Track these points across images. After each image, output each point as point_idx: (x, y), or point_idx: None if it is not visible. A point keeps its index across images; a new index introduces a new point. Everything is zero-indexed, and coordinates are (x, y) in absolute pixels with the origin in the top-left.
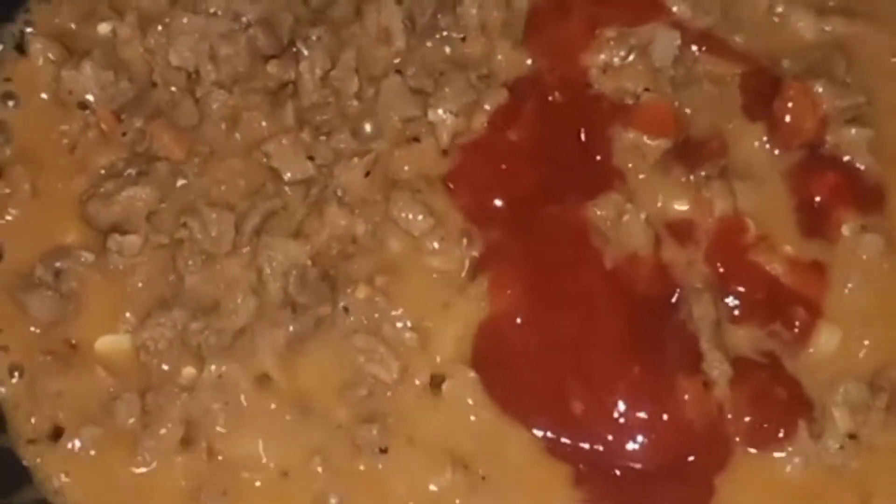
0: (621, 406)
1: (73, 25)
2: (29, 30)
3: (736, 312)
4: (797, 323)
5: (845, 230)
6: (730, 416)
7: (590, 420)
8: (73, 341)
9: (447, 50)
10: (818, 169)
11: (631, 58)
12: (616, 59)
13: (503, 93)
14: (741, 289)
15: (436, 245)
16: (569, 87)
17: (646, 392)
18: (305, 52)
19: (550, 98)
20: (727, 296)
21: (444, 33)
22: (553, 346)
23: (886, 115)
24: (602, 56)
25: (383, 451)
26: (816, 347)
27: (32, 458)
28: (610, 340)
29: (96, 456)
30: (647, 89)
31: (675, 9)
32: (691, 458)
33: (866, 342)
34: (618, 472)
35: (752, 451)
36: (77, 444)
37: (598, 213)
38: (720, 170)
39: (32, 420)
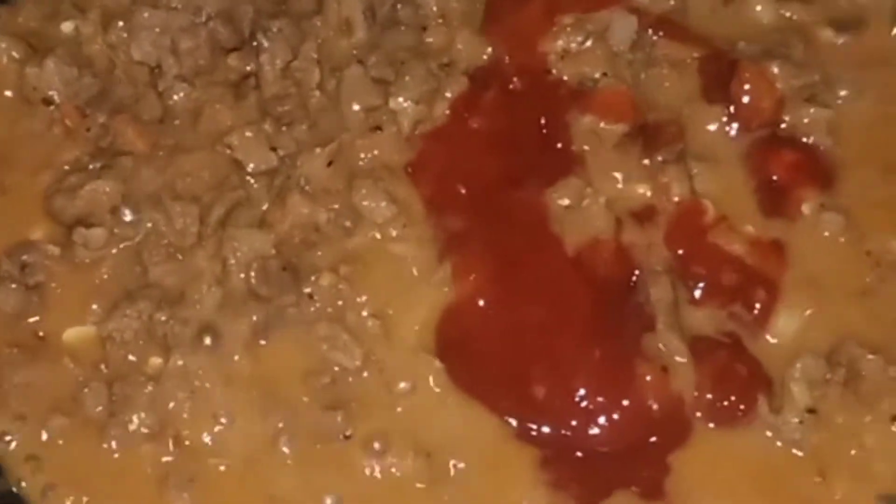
0: (582, 391)
1: (36, 24)
2: None
3: (697, 294)
4: (757, 305)
5: (805, 209)
6: (695, 394)
7: (551, 404)
8: (41, 333)
9: (408, 40)
10: (776, 148)
11: (589, 43)
12: (574, 45)
13: (463, 81)
14: (701, 270)
15: (398, 232)
16: (528, 74)
17: (606, 376)
18: (266, 44)
19: (511, 86)
20: (688, 278)
21: (405, 23)
22: (515, 331)
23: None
24: (560, 42)
25: (347, 437)
26: (775, 332)
27: (2, 450)
28: (571, 325)
29: (64, 445)
30: (605, 74)
31: None
32: (653, 439)
33: (825, 319)
34: (580, 455)
35: (714, 428)
36: (45, 434)
37: (558, 198)
38: (677, 154)
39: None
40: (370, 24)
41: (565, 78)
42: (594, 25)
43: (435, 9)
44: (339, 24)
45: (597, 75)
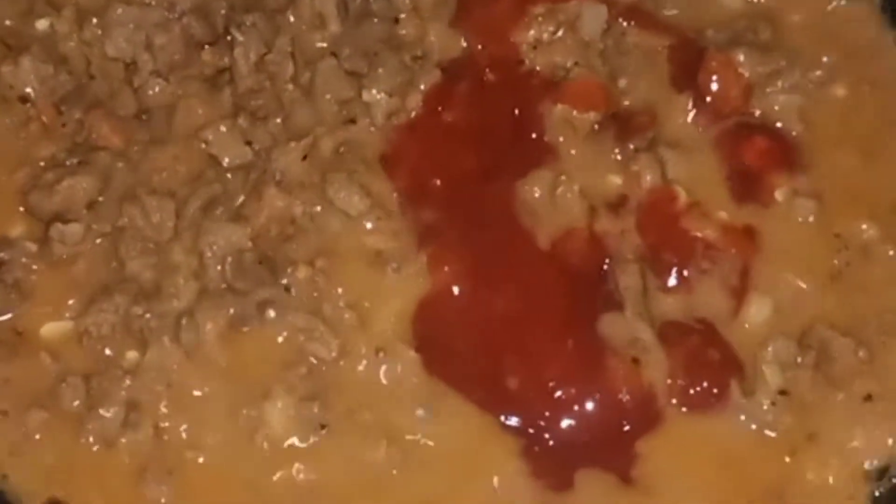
0: (554, 382)
1: (10, 23)
2: None
3: (672, 281)
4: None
5: (778, 195)
6: (668, 382)
7: (524, 396)
8: (19, 329)
9: (381, 32)
10: (747, 135)
11: (560, 33)
12: (546, 35)
13: (436, 73)
14: (674, 257)
15: (373, 225)
16: (501, 66)
17: (578, 368)
18: (240, 38)
19: (484, 77)
20: (660, 264)
21: (378, 15)
22: (490, 322)
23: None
24: (532, 32)
25: (323, 427)
26: (748, 318)
27: None
28: (545, 316)
29: (42, 440)
30: (576, 64)
31: None
32: (626, 427)
33: (796, 303)
34: (552, 443)
35: (686, 413)
36: (23, 429)
37: (532, 188)
38: (649, 142)
39: None
40: (343, 16)
41: (538, 68)
42: (565, 15)
43: (407, 1)
44: (312, 18)
45: (569, 65)
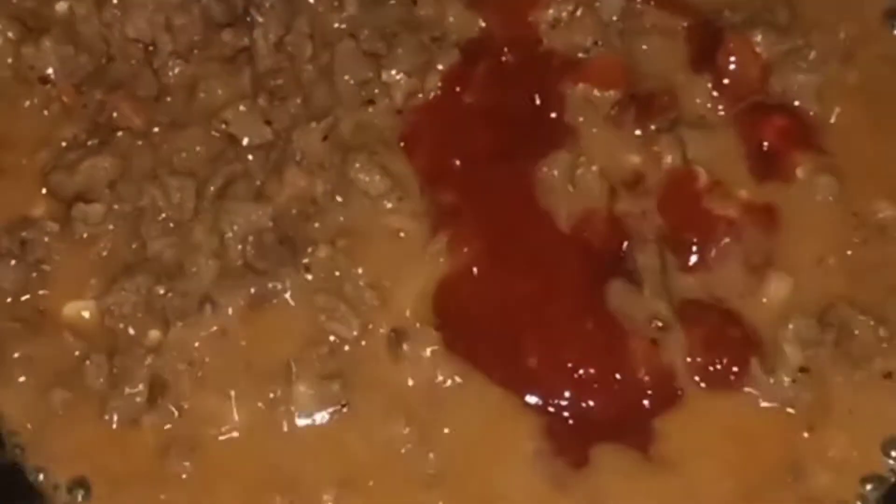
0: (573, 362)
1: (30, 5)
2: None
3: (695, 260)
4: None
5: (800, 172)
6: (688, 360)
7: (544, 375)
8: (42, 308)
9: (399, 13)
10: (765, 115)
11: (579, 12)
12: (564, 14)
13: (455, 53)
14: (695, 236)
15: (393, 205)
16: (520, 46)
17: (597, 348)
18: (259, 19)
19: (503, 57)
20: (681, 244)
21: None
22: (509, 302)
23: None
24: (551, 11)
25: (344, 405)
26: (768, 296)
27: (2, 423)
28: (564, 296)
29: (65, 416)
30: (596, 43)
31: None
32: (645, 404)
33: (815, 280)
34: (572, 422)
35: (706, 391)
36: (46, 407)
37: (551, 169)
38: (670, 123)
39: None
40: None
41: (557, 48)
42: None
43: None
44: None
45: (588, 44)
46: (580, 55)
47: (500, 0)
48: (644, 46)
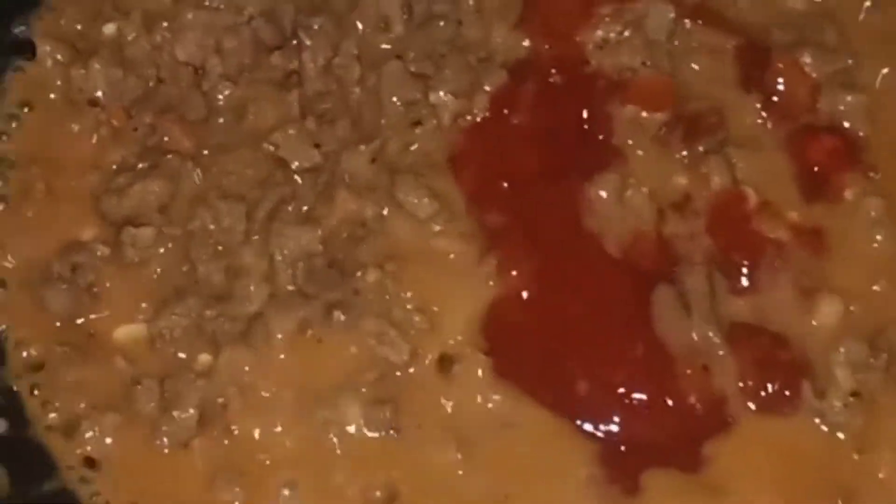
0: (623, 388)
1: (78, 27)
2: (21, 28)
3: (745, 282)
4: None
5: (848, 194)
6: (740, 385)
7: (594, 400)
8: (92, 332)
9: (445, 34)
10: (815, 135)
11: (627, 33)
12: (612, 35)
13: (502, 73)
14: (744, 258)
15: (441, 227)
16: (567, 66)
17: (647, 374)
18: (308, 42)
19: (550, 78)
20: (731, 266)
21: (442, 17)
22: (559, 325)
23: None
24: (599, 32)
25: (394, 431)
26: (818, 319)
27: (57, 449)
28: (614, 320)
29: (116, 443)
30: (644, 63)
31: None
32: (696, 430)
33: (866, 303)
34: (623, 448)
35: (758, 415)
36: (97, 431)
37: (600, 190)
38: (718, 143)
39: (54, 413)
40: (407, 19)
41: (604, 68)
42: (632, 14)
43: (471, 2)
44: (377, 20)
45: (636, 64)
46: (628, 75)
47: (546, 21)
48: (693, 66)
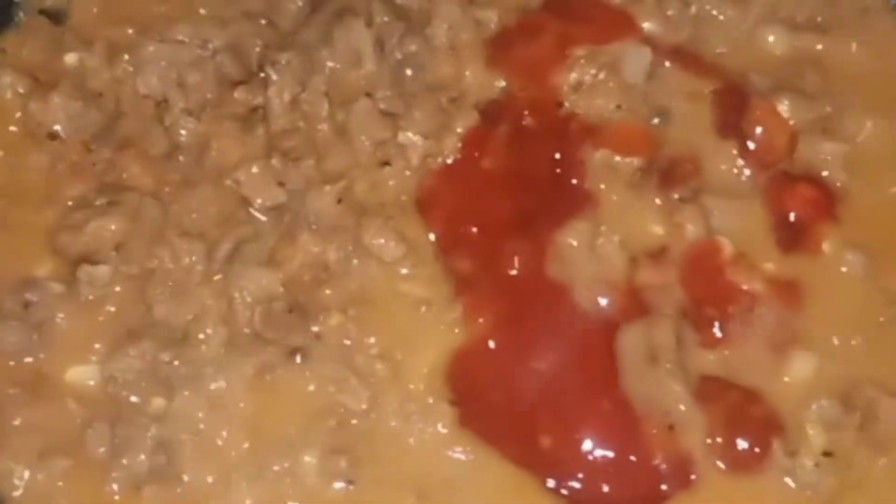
0: (588, 443)
1: (40, 58)
2: None
3: (717, 334)
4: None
5: (826, 246)
6: (708, 442)
7: (557, 455)
8: (44, 372)
9: (417, 72)
10: (792, 184)
11: (602, 75)
12: (587, 77)
13: (474, 114)
14: (716, 311)
15: (408, 271)
16: (540, 108)
17: (612, 430)
18: (274, 77)
19: (522, 121)
20: (702, 318)
21: (414, 55)
22: (524, 376)
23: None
24: (573, 74)
25: (351, 482)
26: (791, 375)
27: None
28: (580, 373)
29: (66, 487)
30: (619, 106)
31: (645, 25)
32: (663, 487)
33: (840, 359)
34: None
35: (726, 472)
36: (46, 476)
37: (570, 238)
38: (693, 192)
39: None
40: (379, 56)
41: (578, 111)
42: (608, 57)
43: (444, 41)
44: (348, 57)
45: (611, 108)
46: (603, 119)
47: (520, 61)
48: (669, 110)
